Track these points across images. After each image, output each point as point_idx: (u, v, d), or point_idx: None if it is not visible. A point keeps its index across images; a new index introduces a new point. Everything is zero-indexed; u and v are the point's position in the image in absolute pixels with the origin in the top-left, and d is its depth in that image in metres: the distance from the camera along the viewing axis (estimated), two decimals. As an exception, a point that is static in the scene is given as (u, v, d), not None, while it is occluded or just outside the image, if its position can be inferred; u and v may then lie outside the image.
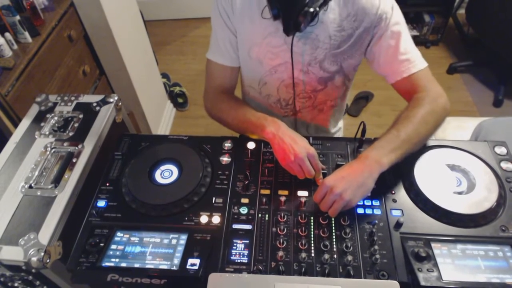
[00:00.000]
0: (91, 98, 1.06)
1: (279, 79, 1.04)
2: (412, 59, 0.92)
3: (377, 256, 0.74)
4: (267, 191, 0.86)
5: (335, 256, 0.75)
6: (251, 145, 0.94)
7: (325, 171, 0.87)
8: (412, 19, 2.95)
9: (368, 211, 0.81)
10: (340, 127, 1.34)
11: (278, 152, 0.86)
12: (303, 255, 0.74)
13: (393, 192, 0.85)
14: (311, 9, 0.83)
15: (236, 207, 0.83)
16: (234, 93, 1.09)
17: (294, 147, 0.84)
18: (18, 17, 1.43)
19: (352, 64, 1.01)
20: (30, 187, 0.85)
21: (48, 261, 0.74)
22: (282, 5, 0.84)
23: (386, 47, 0.93)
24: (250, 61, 1.02)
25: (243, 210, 0.82)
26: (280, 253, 0.75)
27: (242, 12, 0.94)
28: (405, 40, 0.92)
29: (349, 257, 0.73)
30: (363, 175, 0.78)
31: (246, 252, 0.76)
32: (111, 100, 1.04)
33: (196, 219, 0.81)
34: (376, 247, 0.75)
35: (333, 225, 0.80)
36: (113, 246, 0.77)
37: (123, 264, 0.75)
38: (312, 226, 0.79)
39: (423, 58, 0.94)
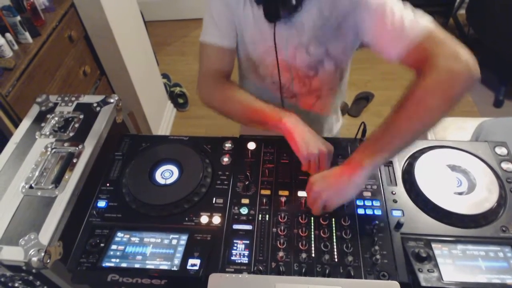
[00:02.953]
0: (92, 99, 1.06)
1: (271, 62, 1.03)
2: (407, 28, 0.81)
3: (378, 256, 0.74)
4: (267, 192, 0.86)
5: (336, 256, 0.75)
6: (251, 145, 0.94)
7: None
8: (412, 20, 2.94)
9: (369, 211, 0.81)
10: (340, 122, 1.34)
11: (299, 143, 0.84)
12: (304, 255, 0.74)
13: (394, 192, 0.85)
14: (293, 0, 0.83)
15: (236, 208, 0.83)
16: (230, 78, 1.06)
17: (318, 141, 0.84)
18: (18, 18, 1.43)
19: (338, 47, 0.98)
20: (31, 187, 0.85)
21: (48, 261, 0.74)
22: None
23: (375, 26, 0.86)
24: (244, 44, 1.01)
25: (244, 211, 0.82)
26: (281, 254, 0.75)
27: None
28: (393, 12, 0.82)
29: (350, 258, 0.73)
30: (342, 181, 0.77)
31: (246, 253, 0.76)
32: (112, 100, 1.04)
33: (196, 219, 0.81)
34: (376, 247, 0.75)
35: (334, 225, 0.80)
36: (114, 247, 0.77)
37: (124, 265, 0.75)
38: (312, 227, 0.79)
39: (422, 22, 0.81)
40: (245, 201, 0.84)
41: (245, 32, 0.98)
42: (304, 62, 1.01)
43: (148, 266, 0.74)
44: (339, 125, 1.35)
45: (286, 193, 0.86)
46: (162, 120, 2.47)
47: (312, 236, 0.78)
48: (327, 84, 1.10)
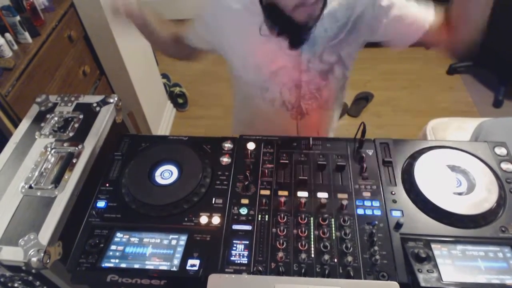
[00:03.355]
0: (91, 99, 1.06)
1: (280, 83, 1.03)
2: (422, 17, 0.92)
3: (377, 257, 0.74)
4: (267, 192, 0.86)
5: (335, 257, 0.75)
6: (251, 145, 0.94)
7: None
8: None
9: (368, 211, 0.81)
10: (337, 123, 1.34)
11: None
12: (303, 256, 0.74)
13: (393, 192, 0.85)
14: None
15: (236, 208, 0.83)
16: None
17: None
18: (18, 18, 1.43)
19: (350, 53, 1.00)
20: (30, 187, 0.85)
21: (48, 261, 0.74)
22: (285, 22, 0.84)
23: (395, 27, 0.93)
24: (246, 70, 1.01)
25: (243, 211, 0.82)
26: (280, 254, 0.75)
27: (233, 24, 0.94)
28: (407, 5, 0.92)
29: (349, 258, 0.73)
30: None
31: (246, 253, 0.76)
32: (111, 100, 1.04)
33: (196, 219, 0.81)
34: (376, 248, 0.75)
35: (333, 225, 0.80)
36: (113, 247, 0.77)
37: (123, 265, 0.75)
38: (312, 227, 0.79)
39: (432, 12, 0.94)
40: (245, 201, 0.84)
41: (247, 59, 0.98)
42: (317, 72, 1.01)
43: (147, 267, 0.74)
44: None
45: (285, 193, 0.86)
46: (161, 120, 2.47)
47: (312, 236, 0.78)
48: (334, 92, 1.10)
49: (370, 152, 0.92)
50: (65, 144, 0.94)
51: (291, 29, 0.85)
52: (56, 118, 1.00)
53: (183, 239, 0.78)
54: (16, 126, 1.15)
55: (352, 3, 0.90)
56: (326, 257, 0.74)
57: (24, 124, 0.99)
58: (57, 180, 0.86)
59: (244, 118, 1.27)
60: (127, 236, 0.79)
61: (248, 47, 0.96)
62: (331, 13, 0.90)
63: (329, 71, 1.02)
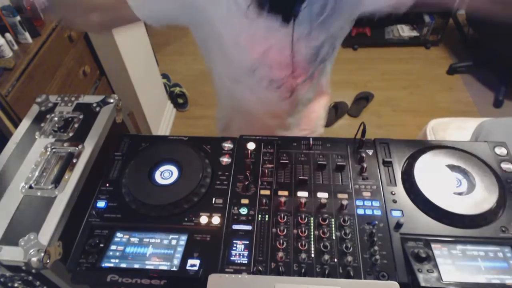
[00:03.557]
0: (91, 99, 1.06)
1: (269, 62, 1.01)
2: None
3: (377, 256, 0.74)
4: (267, 192, 0.86)
5: (335, 256, 0.75)
6: (251, 145, 0.94)
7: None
8: (412, 20, 2.95)
9: (368, 211, 0.81)
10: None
11: None
12: (303, 255, 0.74)
13: (393, 192, 0.85)
14: None
15: (236, 208, 0.83)
16: None
17: None
18: (18, 18, 1.43)
19: (341, 26, 0.98)
20: (30, 187, 0.85)
21: (48, 261, 0.74)
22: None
23: None
24: (238, 48, 0.99)
25: (243, 211, 0.83)
26: (280, 254, 0.75)
27: (217, 5, 0.92)
28: None
29: (349, 258, 0.74)
30: None
31: (246, 253, 0.76)
32: (111, 100, 1.04)
33: (196, 219, 0.81)
34: (376, 247, 0.75)
35: (333, 225, 0.80)
36: (113, 247, 0.78)
37: (123, 265, 0.75)
38: (312, 227, 0.79)
39: None
40: (245, 201, 0.84)
41: (239, 37, 0.97)
42: (307, 49, 0.98)
43: (147, 267, 0.74)
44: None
45: (285, 193, 0.86)
46: (161, 120, 2.47)
47: (312, 236, 0.78)
48: (324, 66, 1.07)
49: (370, 152, 0.92)
50: (65, 144, 0.94)
51: (282, 5, 0.84)
52: (56, 118, 1.00)
53: (183, 239, 0.78)
54: (16, 126, 1.15)
55: None
56: (326, 257, 0.74)
57: (24, 124, 0.99)
58: (57, 180, 0.86)
59: (230, 111, 1.25)
60: (127, 236, 0.79)
61: (236, 27, 0.94)
62: None
63: (320, 47, 0.99)
